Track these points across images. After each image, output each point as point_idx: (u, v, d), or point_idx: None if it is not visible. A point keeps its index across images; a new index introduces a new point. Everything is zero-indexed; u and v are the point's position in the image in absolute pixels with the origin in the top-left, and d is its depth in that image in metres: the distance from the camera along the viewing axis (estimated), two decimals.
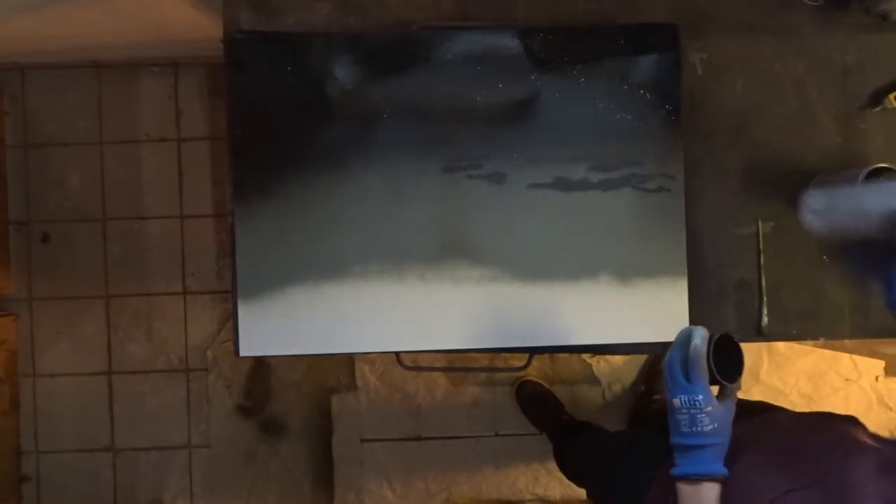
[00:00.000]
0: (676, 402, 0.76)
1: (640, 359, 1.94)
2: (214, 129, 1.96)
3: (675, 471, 0.78)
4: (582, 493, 1.81)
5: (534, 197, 1.08)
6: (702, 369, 0.76)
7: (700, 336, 0.77)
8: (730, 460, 0.78)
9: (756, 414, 1.01)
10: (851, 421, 0.86)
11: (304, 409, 1.97)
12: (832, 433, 0.81)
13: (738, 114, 1.11)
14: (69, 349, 1.96)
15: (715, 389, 0.78)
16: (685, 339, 0.78)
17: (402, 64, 1.07)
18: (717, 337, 0.78)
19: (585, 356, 1.93)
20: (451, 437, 1.94)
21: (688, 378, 0.76)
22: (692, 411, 0.75)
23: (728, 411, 0.78)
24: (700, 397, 0.75)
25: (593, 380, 1.94)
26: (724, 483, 0.76)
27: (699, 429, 0.75)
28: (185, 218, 1.97)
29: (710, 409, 0.75)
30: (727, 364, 0.78)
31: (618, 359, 1.95)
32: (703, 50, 1.11)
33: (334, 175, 1.07)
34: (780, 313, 1.11)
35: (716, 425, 0.76)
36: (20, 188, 1.95)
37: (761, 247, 1.11)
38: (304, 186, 1.07)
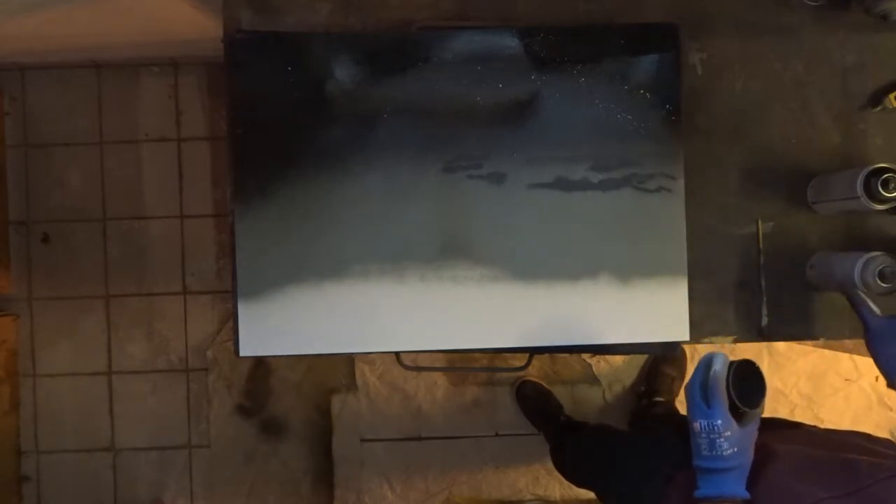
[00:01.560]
0: (696, 426, 0.78)
1: (640, 359, 1.94)
2: (214, 129, 1.96)
3: (698, 493, 0.80)
4: (581, 493, 1.82)
5: (534, 197, 1.08)
6: (721, 395, 0.77)
7: (720, 362, 0.78)
8: (761, 465, 0.79)
9: (785, 427, 1.02)
10: (890, 445, 0.87)
11: (304, 409, 1.97)
12: (876, 454, 0.82)
13: (738, 114, 1.11)
14: (69, 349, 1.96)
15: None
16: (706, 363, 0.79)
17: (403, 64, 1.07)
18: (737, 363, 0.79)
19: (585, 356, 1.93)
20: (451, 437, 1.94)
21: (707, 403, 0.78)
22: (711, 436, 0.77)
23: (749, 435, 0.79)
24: (718, 422, 0.76)
25: (593, 380, 1.94)
26: None
27: (718, 453, 0.77)
28: (185, 218, 1.97)
29: (728, 433, 0.76)
30: (748, 389, 0.79)
31: (618, 359, 1.95)
32: (703, 50, 1.11)
33: (334, 175, 1.07)
34: (780, 313, 1.11)
35: (735, 449, 0.77)
36: (20, 188, 1.95)
37: (761, 247, 1.11)
38: (304, 186, 1.07)
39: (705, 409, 0.77)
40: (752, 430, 0.79)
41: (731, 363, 0.79)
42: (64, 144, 1.96)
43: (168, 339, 1.97)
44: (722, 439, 0.76)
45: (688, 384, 0.80)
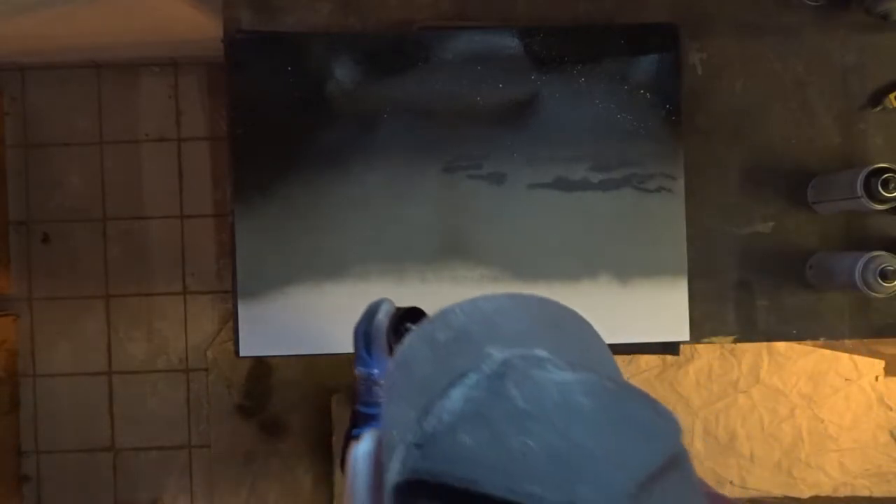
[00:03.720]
0: (357, 372, 0.79)
1: None
2: (214, 129, 1.96)
3: (354, 432, 0.80)
4: None
5: (534, 197, 1.08)
6: (381, 345, 0.78)
7: (384, 311, 0.78)
8: None
9: None
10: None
11: (304, 409, 1.97)
12: None
13: (738, 114, 1.11)
14: (69, 349, 1.96)
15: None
16: (372, 312, 0.79)
17: (403, 64, 1.07)
18: (405, 310, 0.79)
19: None
20: None
21: (368, 352, 0.78)
22: (368, 383, 0.78)
23: None
24: (375, 371, 0.78)
25: None
26: None
27: (374, 399, 0.78)
28: (185, 218, 1.97)
29: (384, 382, 0.77)
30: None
31: (617, 359, 1.94)
32: (703, 50, 1.11)
33: (334, 175, 1.07)
34: (780, 313, 1.11)
35: None
36: (20, 188, 1.95)
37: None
38: (305, 186, 1.07)
39: (366, 357, 0.78)
40: None
41: (397, 310, 0.79)
42: (64, 144, 1.96)
43: (168, 339, 1.97)
44: (378, 387, 0.78)
45: (355, 329, 0.81)
